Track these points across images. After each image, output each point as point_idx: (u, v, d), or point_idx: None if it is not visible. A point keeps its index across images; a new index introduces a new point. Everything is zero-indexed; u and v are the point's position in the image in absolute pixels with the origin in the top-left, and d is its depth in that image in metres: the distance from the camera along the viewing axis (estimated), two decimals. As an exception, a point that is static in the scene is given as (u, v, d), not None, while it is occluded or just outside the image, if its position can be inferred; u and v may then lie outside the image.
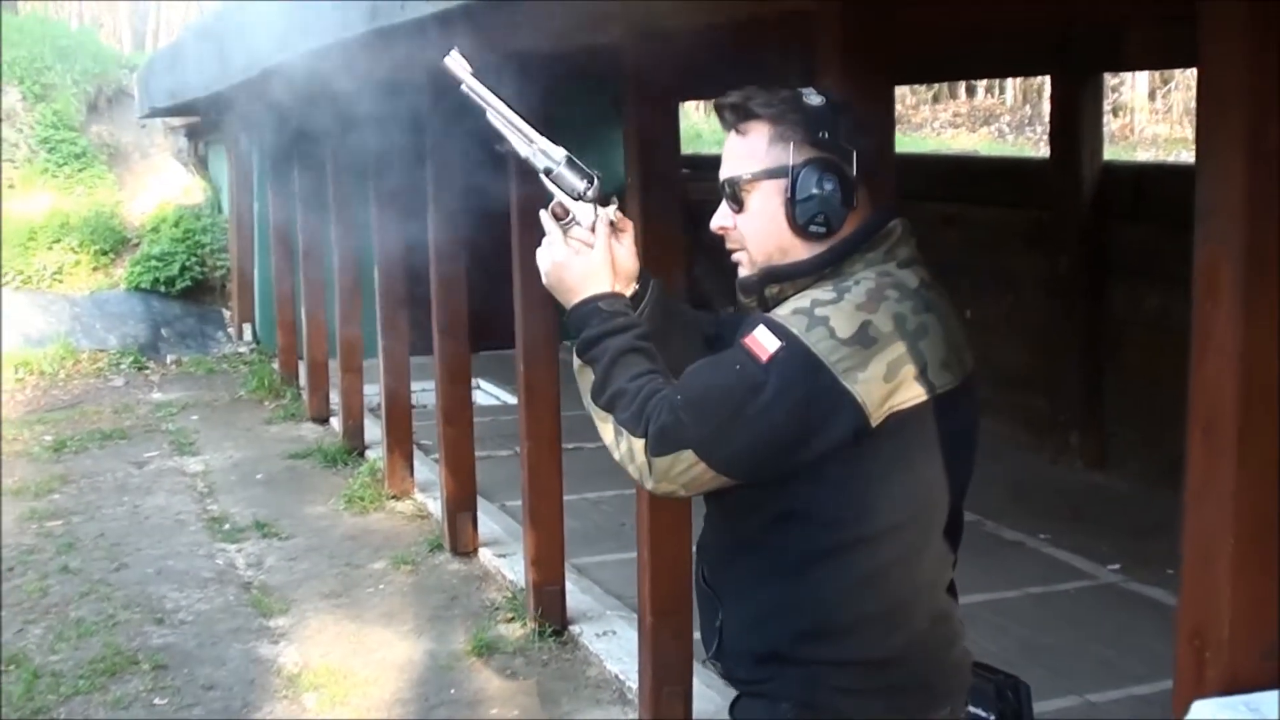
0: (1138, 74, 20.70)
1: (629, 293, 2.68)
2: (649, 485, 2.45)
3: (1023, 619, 6.70)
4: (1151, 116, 22.90)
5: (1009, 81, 24.26)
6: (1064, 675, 5.95)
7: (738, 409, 2.35)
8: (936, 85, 24.73)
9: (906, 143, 21.57)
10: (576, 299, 2.59)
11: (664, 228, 5.10)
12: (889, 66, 3.79)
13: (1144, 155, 19.62)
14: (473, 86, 2.69)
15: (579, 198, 2.63)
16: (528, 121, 2.70)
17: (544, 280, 2.67)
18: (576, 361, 2.56)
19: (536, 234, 2.68)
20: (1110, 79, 20.59)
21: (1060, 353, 9.46)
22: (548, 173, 2.65)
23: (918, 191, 10.29)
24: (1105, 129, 12.12)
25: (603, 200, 2.65)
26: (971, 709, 3.00)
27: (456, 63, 2.69)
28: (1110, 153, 13.58)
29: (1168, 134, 21.01)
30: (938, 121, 25.69)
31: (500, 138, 2.71)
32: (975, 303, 10.02)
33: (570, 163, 2.65)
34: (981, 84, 25.22)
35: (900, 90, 23.57)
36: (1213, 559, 2.50)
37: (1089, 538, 7.83)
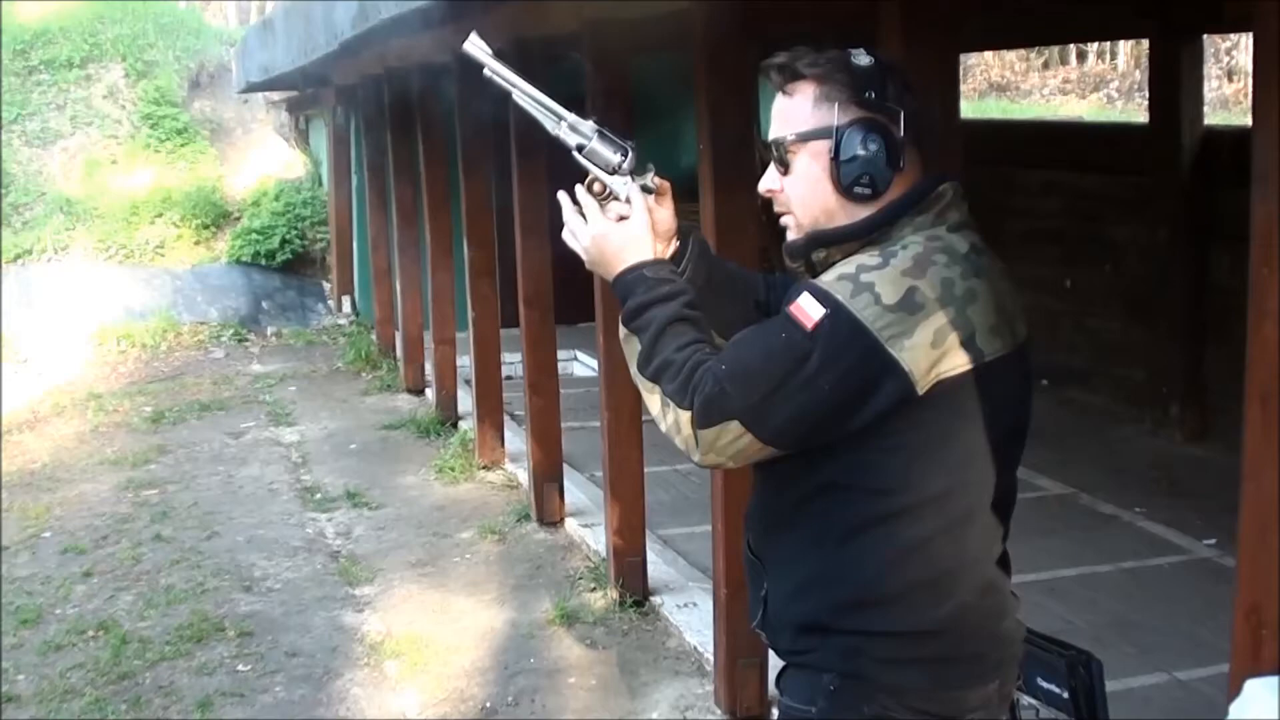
0: (1252, 38, 20.27)
1: (670, 251, 2.64)
2: (696, 457, 2.41)
3: (1114, 593, 6.61)
4: (1266, 81, 22.43)
5: (1120, 46, 23.85)
6: (1153, 652, 5.86)
7: (783, 379, 2.31)
8: (1045, 51, 24.39)
9: (1013, 110, 21.33)
10: (620, 268, 2.55)
11: (736, 197, 5.06)
12: (952, 31, 3.71)
13: (1256, 120, 19.25)
14: (495, 69, 2.67)
15: (615, 171, 2.59)
16: (554, 99, 2.66)
17: (584, 257, 2.64)
18: (623, 330, 2.52)
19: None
20: (1223, 42, 20.20)
21: (1161, 322, 9.29)
22: (580, 149, 2.62)
23: (1017, 158, 10.18)
24: (1218, 93, 11.88)
25: (639, 169, 2.60)
26: (1044, 684, 2.98)
27: (476, 46, 2.66)
28: (1223, 117, 13.32)
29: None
30: (1046, 88, 25.35)
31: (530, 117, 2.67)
32: (1074, 271, 9.88)
33: (602, 136, 2.61)
34: (1092, 49, 24.82)
35: (1008, 56, 23.38)
36: (1268, 533, 2.42)
37: (1185, 512, 7.69)
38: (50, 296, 15.11)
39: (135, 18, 18.76)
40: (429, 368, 11.48)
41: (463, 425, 10.35)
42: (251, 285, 15.77)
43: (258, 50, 11.28)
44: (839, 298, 2.30)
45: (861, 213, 2.44)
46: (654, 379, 2.43)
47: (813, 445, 2.38)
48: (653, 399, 2.44)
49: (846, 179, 2.42)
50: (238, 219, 16.35)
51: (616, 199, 2.59)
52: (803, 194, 2.49)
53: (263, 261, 15.95)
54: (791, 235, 2.56)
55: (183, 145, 17.09)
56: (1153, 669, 5.69)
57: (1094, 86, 24.73)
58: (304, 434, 10.82)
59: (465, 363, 10.62)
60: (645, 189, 2.60)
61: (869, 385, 2.29)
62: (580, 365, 12.51)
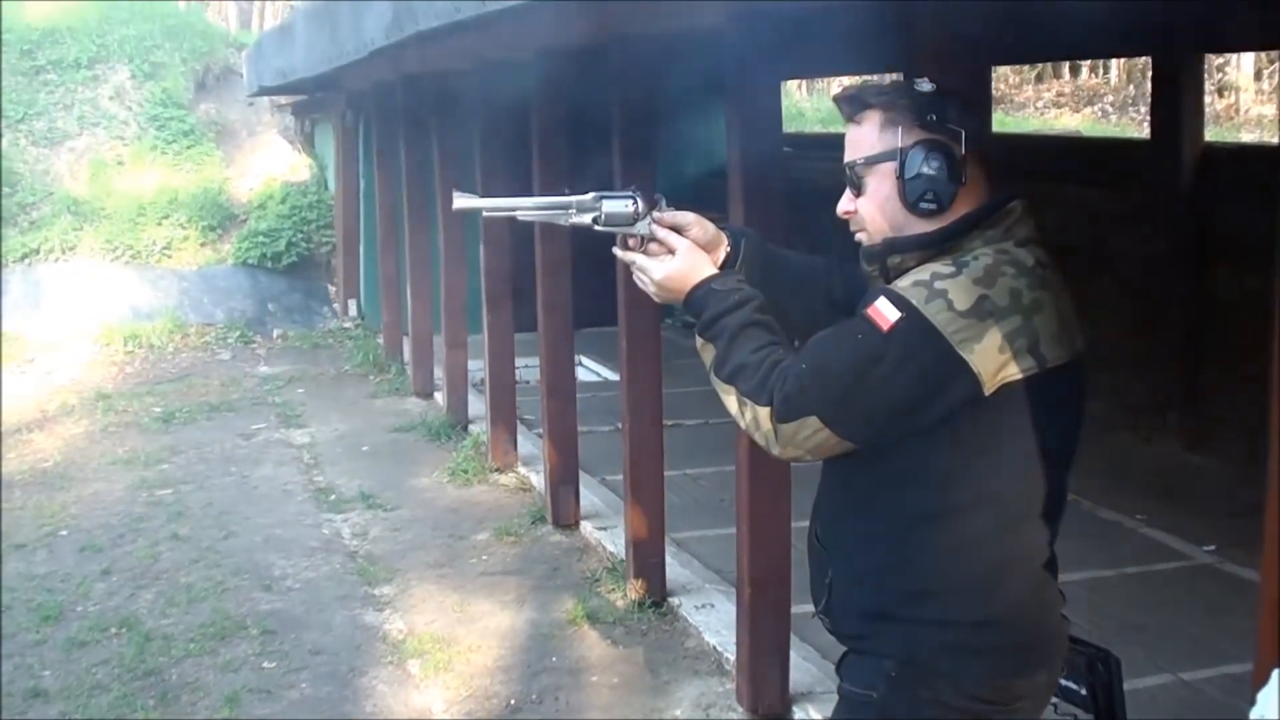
0: (1243, 54, 20.43)
1: (723, 255, 2.84)
2: (775, 450, 2.58)
3: (1118, 598, 6.73)
4: (1258, 97, 22.61)
5: (1113, 61, 24.01)
6: (1158, 653, 5.99)
7: (860, 377, 2.49)
8: (1040, 65, 24.54)
9: (1009, 123, 21.45)
10: (688, 290, 2.73)
11: (765, 208, 5.18)
12: (985, 48, 3.85)
13: (1248, 136, 19.39)
14: (491, 206, 2.97)
15: (635, 220, 2.81)
16: (547, 195, 2.90)
17: (657, 300, 2.85)
18: (698, 340, 2.70)
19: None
20: (1216, 59, 20.34)
21: (1159, 334, 9.42)
22: (596, 222, 2.83)
23: (1018, 171, 10.28)
24: (1209, 109, 11.99)
25: (651, 204, 2.82)
26: (1063, 681, 3.08)
27: (464, 199, 2.90)
28: (1214, 133, 13.43)
29: (1273, 115, 20.70)
30: (1041, 101, 25.51)
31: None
32: (1074, 283, 9.91)
33: (607, 199, 2.82)
34: (1085, 64, 24.98)
35: (1003, 70, 23.47)
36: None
37: (1185, 518, 7.84)
38: (57, 296, 15.12)
39: (142, 19, 18.75)
40: (438, 371, 11.53)
41: (473, 429, 10.41)
42: (257, 287, 15.80)
43: (274, 55, 11.32)
44: (914, 302, 2.48)
45: (930, 226, 2.63)
46: (729, 381, 2.60)
47: (887, 440, 2.55)
48: (729, 399, 2.62)
49: (912, 195, 2.61)
50: (244, 221, 16.34)
51: (653, 240, 2.79)
52: (874, 212, 2.68)
53: (269, 264, 15.96)
54: (866, 242, 2.75)
55: (189, 147, 17.08)
56: (1158, 670, 5.84)
57: (1088, 100, 24.89)
58: (315, 436, 10.87)
59: (474, 366, 10.75)
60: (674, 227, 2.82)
61: (940, 384, 2.47)
62: (585, 371, 12.55)
